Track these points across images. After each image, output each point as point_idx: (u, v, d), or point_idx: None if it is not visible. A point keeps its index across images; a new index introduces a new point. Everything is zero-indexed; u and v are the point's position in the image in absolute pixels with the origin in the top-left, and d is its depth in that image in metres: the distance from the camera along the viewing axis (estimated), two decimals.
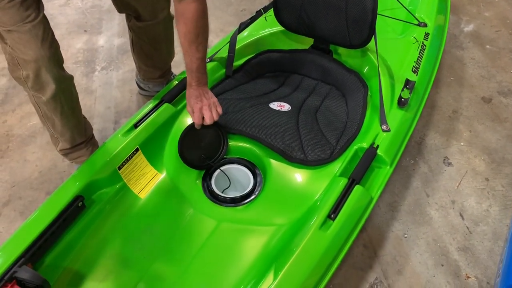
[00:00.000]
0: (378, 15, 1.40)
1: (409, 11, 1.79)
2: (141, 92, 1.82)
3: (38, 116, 1.36)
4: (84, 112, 1.74)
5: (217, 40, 2.15)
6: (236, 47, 1.58)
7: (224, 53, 1.56)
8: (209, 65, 1.53)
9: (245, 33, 1.65)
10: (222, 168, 1.31)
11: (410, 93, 1.40)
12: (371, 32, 1.41)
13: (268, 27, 1.65)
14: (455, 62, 2.01)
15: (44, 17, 1.18)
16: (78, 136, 1.42)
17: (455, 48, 2.09)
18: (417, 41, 1.64)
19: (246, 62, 1.59)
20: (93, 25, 2.20)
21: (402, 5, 1.81)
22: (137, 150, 1.28)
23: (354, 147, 1.29)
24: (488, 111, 1.78)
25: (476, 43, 2.12)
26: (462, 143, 1.65)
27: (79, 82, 1.89)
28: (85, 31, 2.18)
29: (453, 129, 1.71)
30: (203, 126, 1.27)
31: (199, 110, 1.24)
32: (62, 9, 2.30)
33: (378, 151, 1.25)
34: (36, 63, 1.17)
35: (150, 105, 1.39)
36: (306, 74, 1.61)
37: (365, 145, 1.27)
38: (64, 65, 1.84)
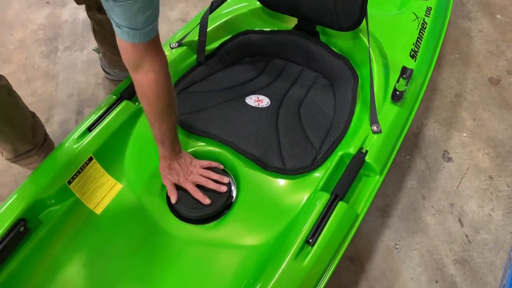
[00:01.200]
0: None
1: None
2: (108, 77, 1.63)
3: None
4: (44, 101, 1.58)
5: (195, 12, 1.93)
6: (209, 29, 1.38)
7: (195, 35, 1.36)
8: (178, 51, 1.34)
9: (219, 11, 1.44)
10: None
11: (406, 84, 1.22)
12: (363, 14, 1.21)
13: (246, 2, 1.43)
14: (460, 35, 1.80)
15: None
16: (23, 146, 1.24)
17: (462, 19, 1.87)
18: (417, 17, 1.43)
19: (220, 46, 1.39)
20: None
21: None
22: (90, 159, 1.12)
23: (339, 152, 1.12)
24: (495, 94, 1.59)
25: (485, 12, 1.89)
26: (464, 134, 1.48)
27: (39, 65, 1.69)
28: (47, 2, 1.94)
29: (455, 117, 1.53)
30: None
31: (187, 183, 1.09)
32: None
33: (367, 158, 1.09)
34: None
35: (107, 103, 1.21)
36: (289, 58, 1.41)
37: (352, 150, 1.11)
38: (23, 44, 1.65)
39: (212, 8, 1.36)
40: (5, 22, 1.84)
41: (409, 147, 1.44)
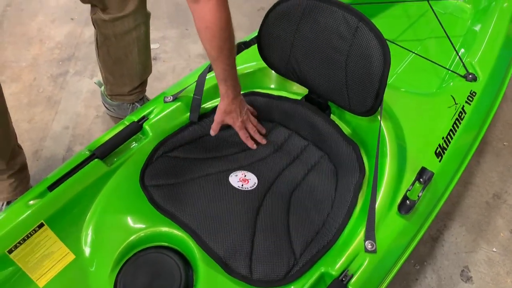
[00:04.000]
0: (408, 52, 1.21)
1: (457, 53, 1.32)
2: (108, 113, 1.53)
3: None
4: (38, 130, 1.50)
5: (239, 35, 1.79)
6: (210, 85, 1.23)
7: (192, 91, 1.21)
8: (171, 106, 1.20)
9: None
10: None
11: (420, 193, 1.00)
12: (377, 103, 1.01)
13: (255, 61, 1.26)
14: None
15: None
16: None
17: None
18: (456, 104, 1.19)
19: None
20: (82, 12, 1.89)
21: (451, 43, 1.34)
22: (41, 225, 1.01)
23: (321, 267, 0.93)
24: None
25: None
26: (494, 249, 1.23)
27: (45, 89, 1.62)
28: (72, 19, 1.88)
29: (488, 223, 1.28)
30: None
31: (242, 128, 1.15)
32: None
33: (350, 286, 0.89)
34: None
35: (76, 159, 1.09)
36: (295, 130, 1.23)
37: (336, 269, 0.91)
38: (36, 63, 1.62)
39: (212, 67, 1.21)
40: (26, 36, 1.80)
41: (422, 254, 1.21)
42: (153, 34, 1.82)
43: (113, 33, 1.32)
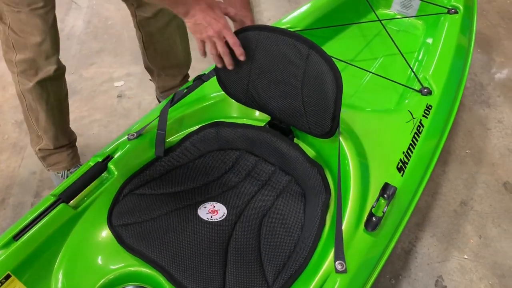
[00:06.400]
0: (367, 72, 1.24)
1: (411, 69, 1.37)
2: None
3: (23, 111, 1.34)
4: (4, 177, 1.48)
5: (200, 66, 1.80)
6: (176, 117, 1.24)
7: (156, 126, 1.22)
8: (136, 143, 1.20)
9: (189, 98, 1.29)
10: None
11: (385, 208, 1.02)
12: (334, 125, 1.03)
13: (215, 91, 1.28)
14: (475, 125, 1.57)
15: (54, 2, 1.20)
16: (62, 136, 1.40)
17: (479, 104, 1.64)
18: (413, 118, 1.23)
19: (185, 138, 1.24)
20: None
21: (405, 59, 1.40)
22: (8, 277, 0.99)
23: None
24: (510, 205, 1.35)
25: (508, 97, 1.66)
26: (465, 256, 1.25)
27: (10, 135, 1.61)
28: None
29: (457, 231, 1.30)
30: None
31: (210, 40, 1.01)
32: None
33: None
34: (39, 47, 1.18)
35: (41, 205, 1.08)
36: (262, 156, 1.25)
37: None
38: (0, 110, 1.71)
39: (174, 101, 1.22)
40: None
41: (396, 268, 1.23)
42: (117, 72, 1.84)
43: (157, 28, 1.45)
